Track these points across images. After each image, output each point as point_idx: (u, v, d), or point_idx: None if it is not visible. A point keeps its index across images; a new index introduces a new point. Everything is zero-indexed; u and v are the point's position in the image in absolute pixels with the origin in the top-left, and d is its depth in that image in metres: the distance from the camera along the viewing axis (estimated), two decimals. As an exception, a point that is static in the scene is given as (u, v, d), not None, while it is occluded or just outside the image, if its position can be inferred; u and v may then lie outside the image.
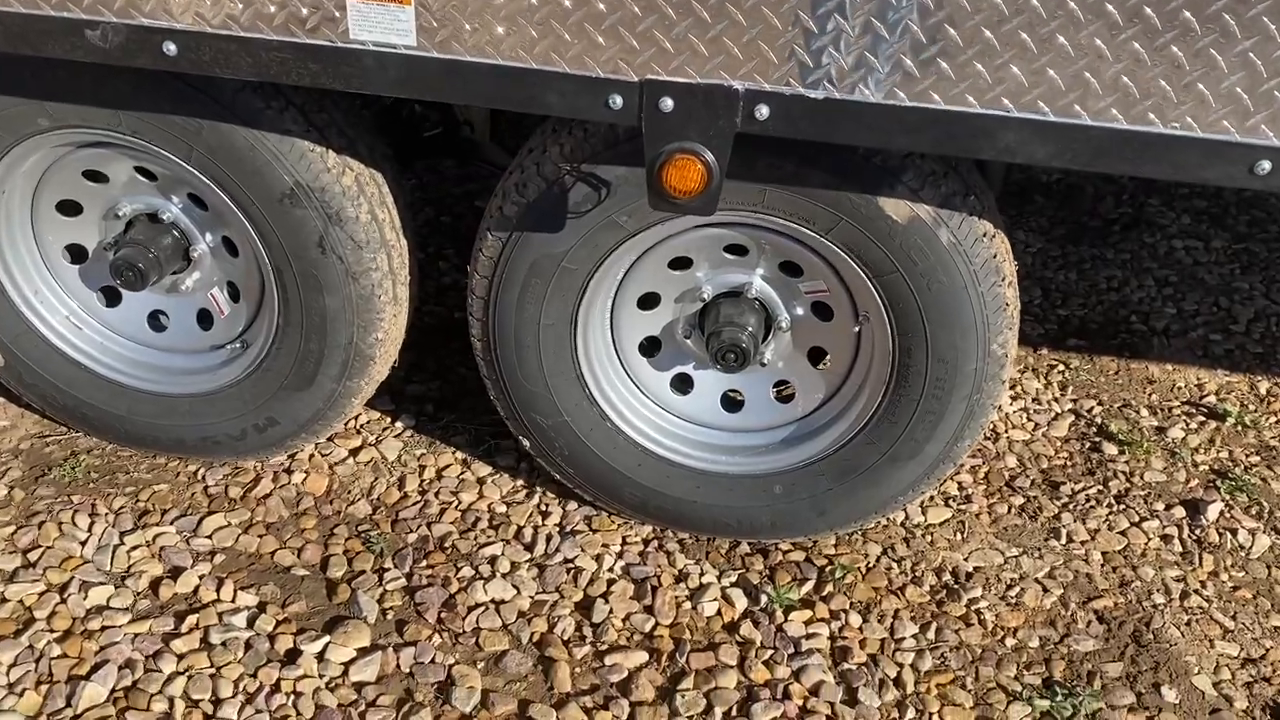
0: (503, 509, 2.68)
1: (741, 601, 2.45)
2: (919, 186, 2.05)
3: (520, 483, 2.75)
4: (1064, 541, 2.66)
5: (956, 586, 2.53)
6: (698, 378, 2.53)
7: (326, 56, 1.84)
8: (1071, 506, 2.78)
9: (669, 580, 2.50)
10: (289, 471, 2.73)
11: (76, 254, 2.59)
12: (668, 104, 1.80)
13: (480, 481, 2.75)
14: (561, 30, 1.77)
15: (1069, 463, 2.93)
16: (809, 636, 2.38)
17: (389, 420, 2.91)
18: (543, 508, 2.69)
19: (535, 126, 2.30)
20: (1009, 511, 2.76)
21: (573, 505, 2.69)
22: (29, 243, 2.54)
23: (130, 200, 2.45)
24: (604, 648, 2.34)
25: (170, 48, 1.88)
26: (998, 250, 2.15)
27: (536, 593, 2.45)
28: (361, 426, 2.88)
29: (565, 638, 2.36)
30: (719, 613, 2.43)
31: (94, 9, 1.86)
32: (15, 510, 2.55)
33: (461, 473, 2.78)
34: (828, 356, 2.45)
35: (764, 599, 2.46)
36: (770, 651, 2.35)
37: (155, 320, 2.65)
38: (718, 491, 2.51)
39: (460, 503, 2.69)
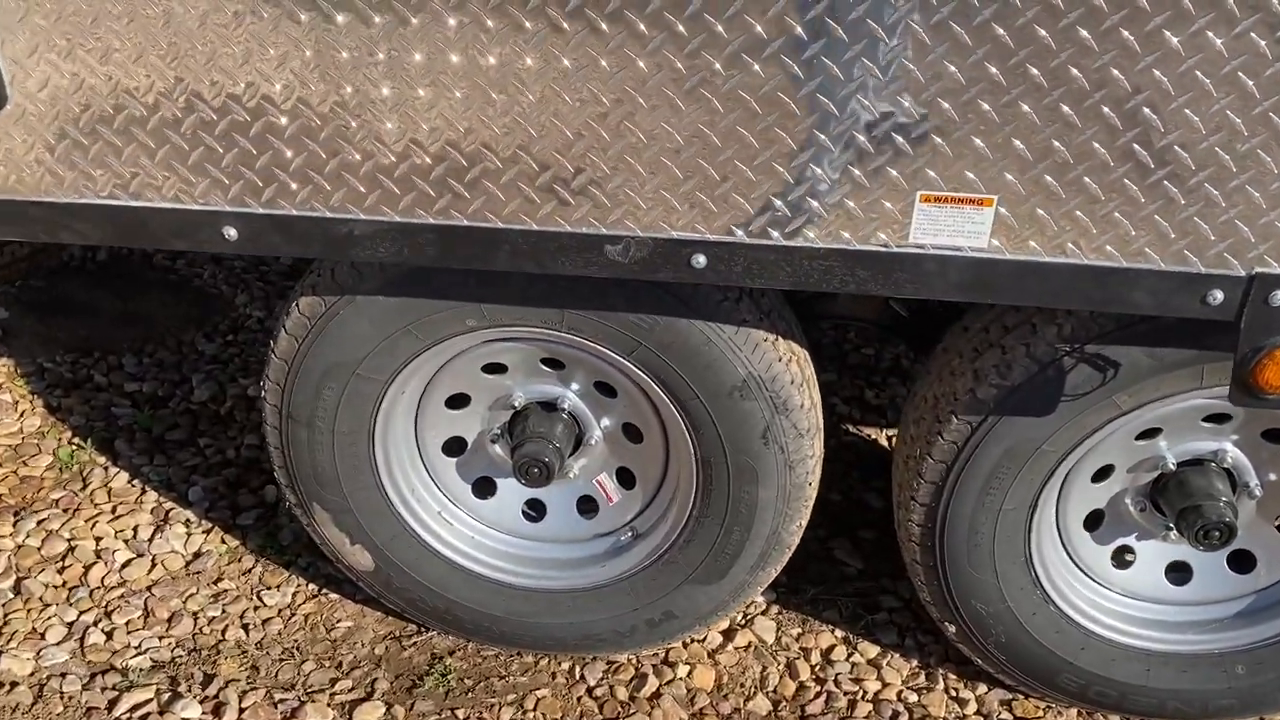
0: (914, 697, 2.46)
1: (1224, 800, 2.23)
2: None
3: (915, 664, 2.53)
4: None
5: None
6: (1139, 549, 2.32)
7: (879, 263, 1.68)
8: None
9: (1132, 776, 2.28)
10: (670, 665, 2.52)
11: (451, 446, 2.42)
12: (1279, 298, 1.62)
13: (874, 665, 2.54)
14: (1166, 225, 1.60)
15: None
16: (1319, 840, 2.15)
17: (748, 595, 2.71)
18: (953, 693, 2.47)
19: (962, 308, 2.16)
20: None
21: (982, 689, 2.47)
22: (410, 440, 2.36)
23: (526, 390, 2.29)
24: None
25: (699, 260, 1.72)
26: None
27: (995, 799, 2.23)
28: (725, 605, 2.68)
29: None
30: (1205, 816, 2.20)
31: (619, 224, 1.70)
32: (403, 730, 2.35)
33: (849, 654, 2.56)
34: (1294, 523, 2.24)
35: (1249, 796, 2.23)
36: None
37: (531, 509, 2.46)
38: (1170, 673, 2.29)
39: (866, 692, 2.47)
